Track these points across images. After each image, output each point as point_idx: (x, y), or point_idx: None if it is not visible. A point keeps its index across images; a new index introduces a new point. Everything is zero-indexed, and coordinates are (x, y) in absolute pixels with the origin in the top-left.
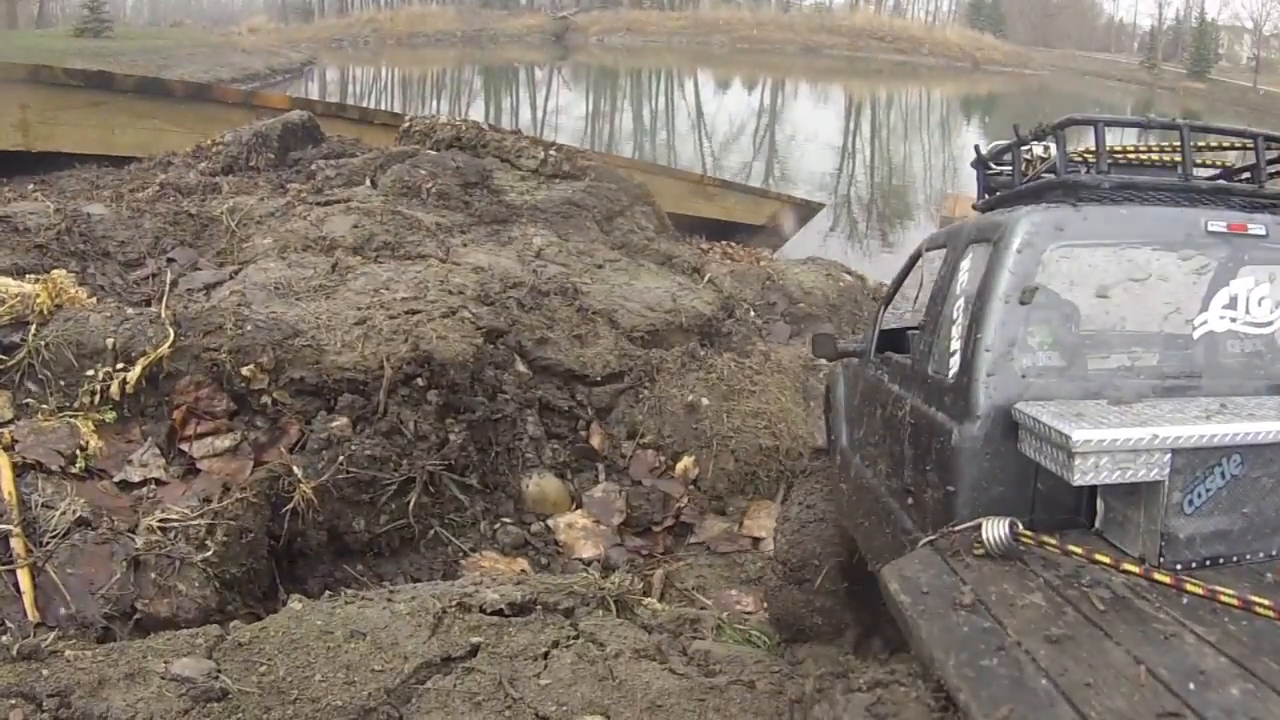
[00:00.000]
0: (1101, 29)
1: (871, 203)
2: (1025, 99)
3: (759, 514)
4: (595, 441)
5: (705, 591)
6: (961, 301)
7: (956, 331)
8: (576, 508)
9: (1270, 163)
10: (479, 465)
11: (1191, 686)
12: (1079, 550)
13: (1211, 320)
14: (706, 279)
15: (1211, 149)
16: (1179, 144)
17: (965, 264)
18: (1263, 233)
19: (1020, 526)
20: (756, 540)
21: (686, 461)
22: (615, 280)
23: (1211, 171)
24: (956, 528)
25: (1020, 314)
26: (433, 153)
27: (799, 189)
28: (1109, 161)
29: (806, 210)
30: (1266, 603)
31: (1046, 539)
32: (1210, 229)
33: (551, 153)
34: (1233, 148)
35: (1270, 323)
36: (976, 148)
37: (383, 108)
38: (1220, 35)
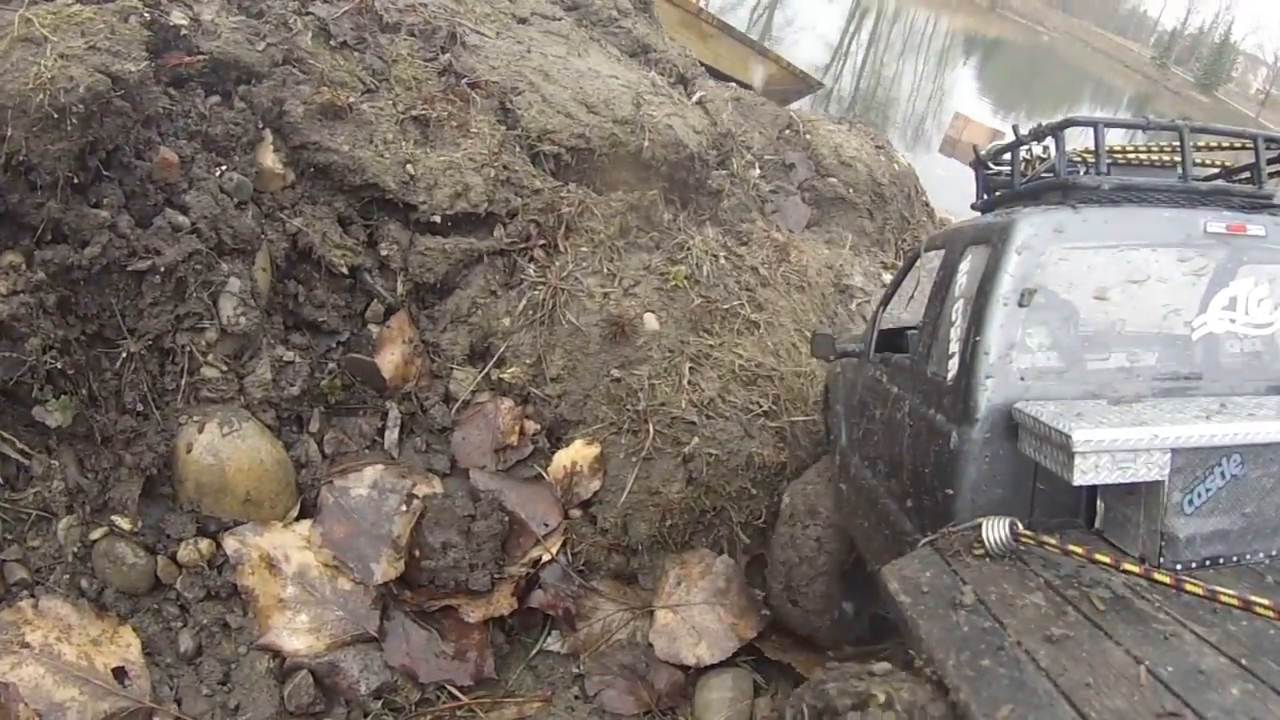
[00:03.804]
0: (1123, 14)
1: (852, 105)
2: (1029, 55)
3: (689, 587)
4: (389, 356)
5: None
6: (960, 303)
7: (955, 333)
8: (300, 517)
9: (1270, 163)
10: (78, 381)
11: (1191, 686)
12: (1079, 550)
13: (1211, 321)
14: (696, 97)
15: (1212, 149)
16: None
17: (964, 265)
18: (1262, 233)
19: (1020, 526)
20: (686, 670)
21: (582, 450)
22: (541, 47)
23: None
24: (956, 528)
25: (1019, 316)
26: None
27: None
28: (1108, 162)
29: (804, 86)
30: (1266, 603)
31: (1046, 539)
32: (1209, 230)
33: None
34: (1231, 148)
35: (1270, 323)
36: (975, 148)
37: None
38: (1238, 58)
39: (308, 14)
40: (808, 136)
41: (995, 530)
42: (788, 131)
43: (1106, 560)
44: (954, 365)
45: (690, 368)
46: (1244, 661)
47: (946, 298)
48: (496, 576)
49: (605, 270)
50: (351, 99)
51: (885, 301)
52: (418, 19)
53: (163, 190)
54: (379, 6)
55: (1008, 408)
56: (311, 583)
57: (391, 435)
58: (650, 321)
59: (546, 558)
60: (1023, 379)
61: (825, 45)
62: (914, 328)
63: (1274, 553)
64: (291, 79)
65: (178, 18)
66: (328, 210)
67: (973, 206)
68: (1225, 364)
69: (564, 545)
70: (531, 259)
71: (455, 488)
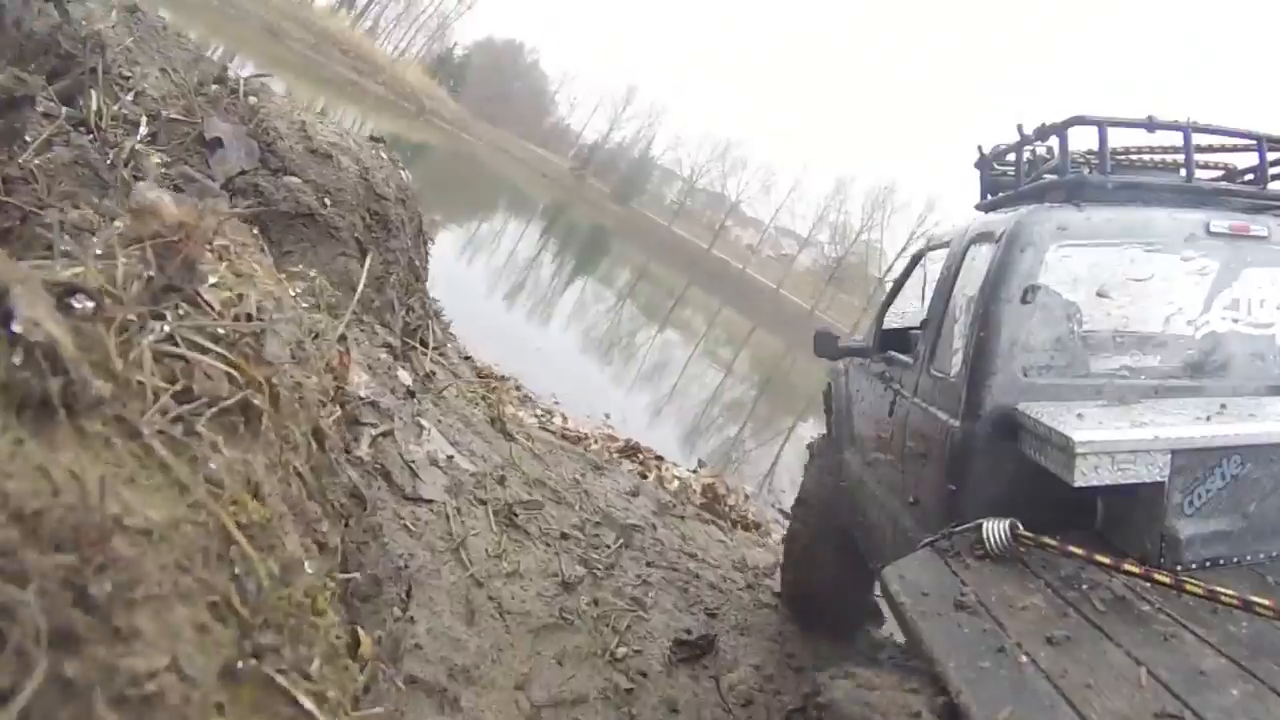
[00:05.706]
0: (547, 127)
1: None
2: (453, 161)
3: None
4: None
5: None
6: (964, 301)
7: (959, 331)
8: None
9: (1273, 164)
10: None
11: (1192, 687)
12: (1079, 551)
13: (1213, 321)
14: None
15: (1214, 150)
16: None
17: (967, 263)
18: (1265, 234)
19: (1020, 527)
20: None
21: None
22: None
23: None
24: (957, 528)
25: (1022, 313)
26: None
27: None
28: (1112, 162)
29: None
30: (1266, 603)
31: (1047, 540)
32: (1213, 230)
33: None
34: (1234, 149)
35: (1272, 323)
36: (979, 147)
37: None
38: (655, 172)
39: None
40: (251, 100)
41: (996, 531)
42: (217, 88)
43: (1106, 561)
44: (957, 362)
45: None
46: (1244, 663)
47: (950, 296)
48: None
49: None
50: None
51: (889, 300)
52: None
53: None
54: None
55: (1011, 405)
56: None
57: None
58: None
59: None
60: (1025, 375)
61: None
62: (917, 326)
63: (1275, 554)
64: None
65: None
66: None
67: (976, 206)
68: (1227, 364)
69: None
70: None
71: None
